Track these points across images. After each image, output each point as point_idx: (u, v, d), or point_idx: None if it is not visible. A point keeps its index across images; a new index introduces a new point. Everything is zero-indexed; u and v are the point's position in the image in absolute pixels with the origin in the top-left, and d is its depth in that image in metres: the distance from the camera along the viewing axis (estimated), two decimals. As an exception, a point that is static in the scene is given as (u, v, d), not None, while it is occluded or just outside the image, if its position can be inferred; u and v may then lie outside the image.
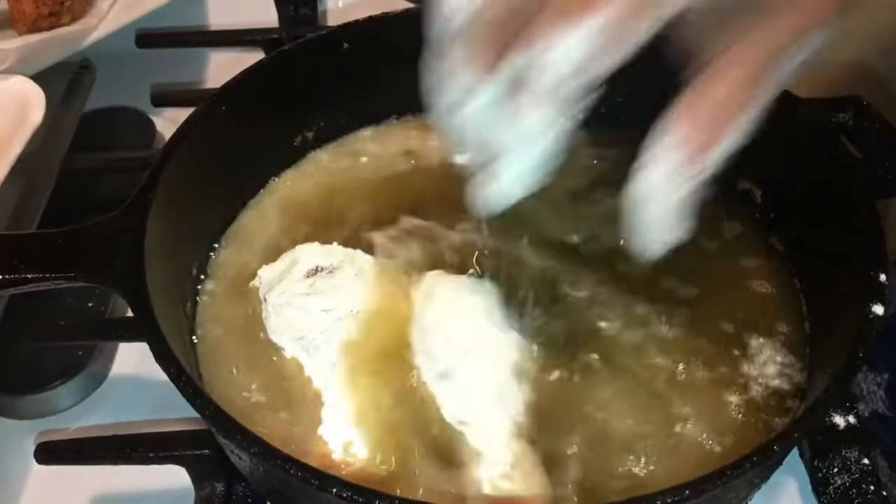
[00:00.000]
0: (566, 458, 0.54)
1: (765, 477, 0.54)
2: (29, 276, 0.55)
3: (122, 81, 0.91)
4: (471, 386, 0.56)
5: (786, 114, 0.63)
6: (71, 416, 0.69)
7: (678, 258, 0.48)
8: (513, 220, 0.67)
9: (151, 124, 0.90)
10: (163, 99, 0.90)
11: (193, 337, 0.62)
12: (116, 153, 0.88)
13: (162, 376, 0.50)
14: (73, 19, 0.85)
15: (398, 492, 0.52)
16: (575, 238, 0.66)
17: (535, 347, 0.59)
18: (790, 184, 0.65)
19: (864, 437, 0.61)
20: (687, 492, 0.44)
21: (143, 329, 0.51)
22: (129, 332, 0.71)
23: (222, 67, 0.96)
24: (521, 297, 0.62)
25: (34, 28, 0.83)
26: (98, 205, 0.64)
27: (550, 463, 0.54)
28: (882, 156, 0.61)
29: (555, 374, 0.58)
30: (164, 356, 0.50)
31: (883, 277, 0.53)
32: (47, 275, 0.55)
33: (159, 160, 0.60)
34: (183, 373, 0.49)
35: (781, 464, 0.55)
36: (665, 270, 0.63)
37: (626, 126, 0.73)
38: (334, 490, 0.44)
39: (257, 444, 0.47)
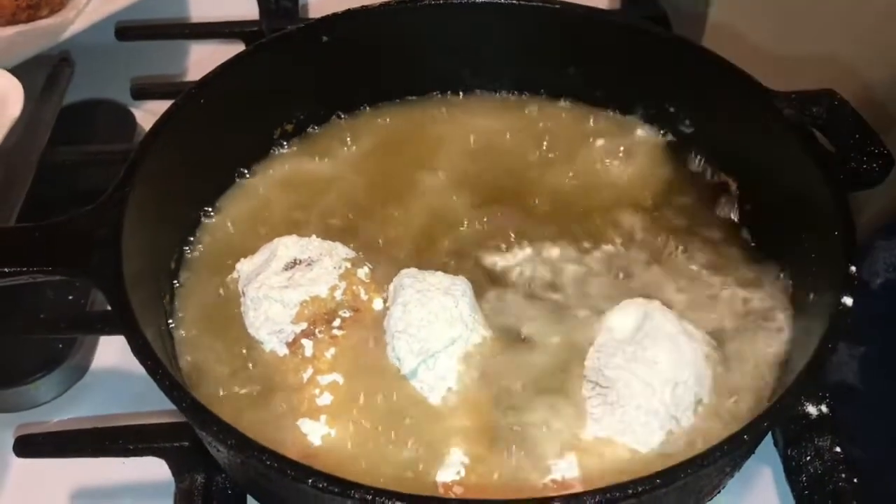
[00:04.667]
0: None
1: (737, 465, 0.55)
2: (6, 269, 0.55)
3: (101, 74, 0.91)
4: (435, 387, 0.57)
5: (760, 107, 0.64)
6: (52, 408, 0.69)
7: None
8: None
9: (132, 117, 0.90)
10: (143, 92, 0.90)
11: (173, 330, 0.62)
12: (96, 146, 0.87)
13: (143, 369, 0.50)
14: (52, 12, 0.85)
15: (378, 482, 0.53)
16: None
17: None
18: (765, 176, 0.66)
19: (835, 425, 0.62)
20: (658, 480, 0.45)
21: (121, 322, 0.52)
22: (109, 325, 0.70)
23: (203, 60, 0.96)
24: (497, 294, 0.63)
25: (12, 21, 0.82)
26: (78, 198, 0.64)
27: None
28: (854, 149, 0.61)
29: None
30: (141, 350, 0.51)
31: (853, 269, 0.54)
32: (24, 268, 0.55)
33: (136, 154, 0.61)
34: (160, 365, 0.50)
35: (753, 452, 0.56)
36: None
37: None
38: (310, 481, 0.45)
39: (234, 436, 0.47)
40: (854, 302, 0.52)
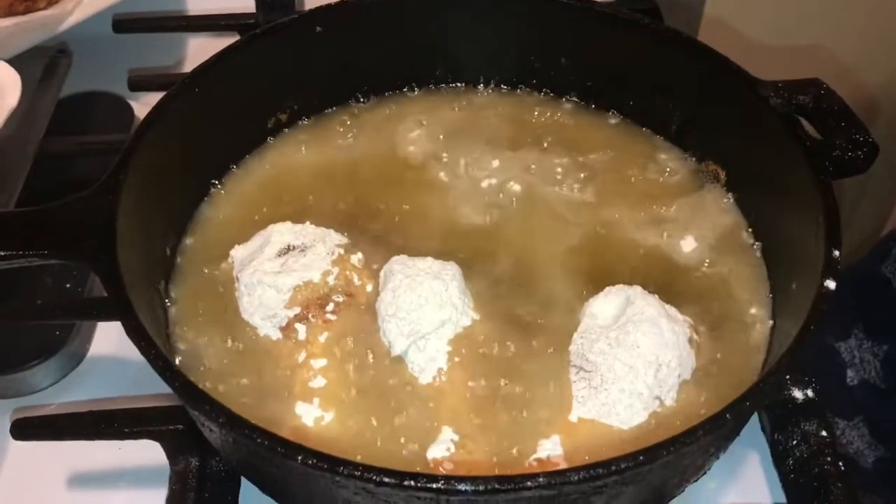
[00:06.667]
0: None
1: (721, 446, 0.55)
2: (2, 252, 0.56)
3: (99, 66, 0.92)
4: (426, 367, 0.58)
5: (747, 96, 0.65)
6: (49, 394, 0.70)
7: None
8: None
9: (129, 108, 0.91)
10: (140, 83, 0.91)
11: (168, 314, 0.63)
12: (93, 136, 0.88)
13: (139, 355, 0.51)
14: (50, 3, 0.85)
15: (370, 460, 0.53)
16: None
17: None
18: (752, 164, 0.67)
19: (821, 409, 0.63)
20: (641, 458, 0.46)
21: (115, 303, 0.53)
22: (106, 311, 0.70)
23: (199, 52, 0.97)
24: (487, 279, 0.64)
25: (10, 12, 0.83)
26: (75, 188, 0.65)
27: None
28: (840, 137, 0.62)
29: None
30: (135, 330, 0.51)
31: (836, 254, 0.55)
32: (20, 252, 0.56)
33: (131, 142, 0.61)
34: (153, 346, 0.50)
35: (738, 434, 0.56)
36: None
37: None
38: (300, 457, 0.46)
39: (225, 414, 0.48)
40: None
